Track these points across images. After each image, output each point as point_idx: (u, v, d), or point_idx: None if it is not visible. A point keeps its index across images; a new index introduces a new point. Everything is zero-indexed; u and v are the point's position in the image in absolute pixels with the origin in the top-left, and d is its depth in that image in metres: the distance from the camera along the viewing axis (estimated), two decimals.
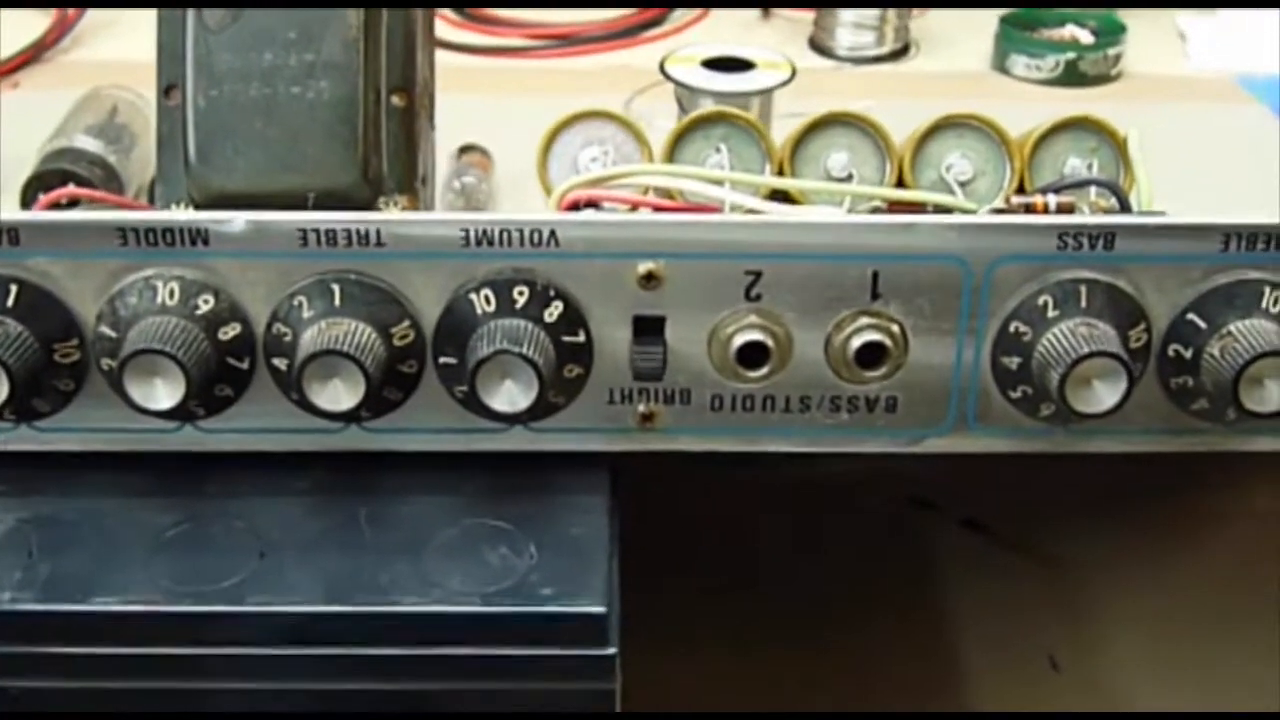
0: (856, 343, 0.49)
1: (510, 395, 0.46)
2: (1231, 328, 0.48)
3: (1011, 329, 0.48)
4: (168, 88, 0.55)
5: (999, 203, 0.58)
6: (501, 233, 0.47)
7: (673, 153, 0.59)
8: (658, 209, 0.56)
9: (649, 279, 0.48)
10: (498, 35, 1.22)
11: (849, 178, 0.59)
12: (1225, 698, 0.62)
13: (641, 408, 0.50)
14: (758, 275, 0.48)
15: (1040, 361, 0.48)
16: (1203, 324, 0.48)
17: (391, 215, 0.48)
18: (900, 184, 0.59)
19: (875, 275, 0.48)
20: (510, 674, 0.46)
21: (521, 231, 0.47)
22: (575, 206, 0.56)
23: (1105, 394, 0.47)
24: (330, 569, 0.47)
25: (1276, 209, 0.88)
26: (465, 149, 0.68)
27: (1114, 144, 0.59)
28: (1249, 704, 0.62)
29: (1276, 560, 0.70)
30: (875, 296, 0.49)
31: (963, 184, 0.59)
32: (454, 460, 0.51)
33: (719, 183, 0.57)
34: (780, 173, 0.59)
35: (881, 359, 0.49)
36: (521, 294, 0.47)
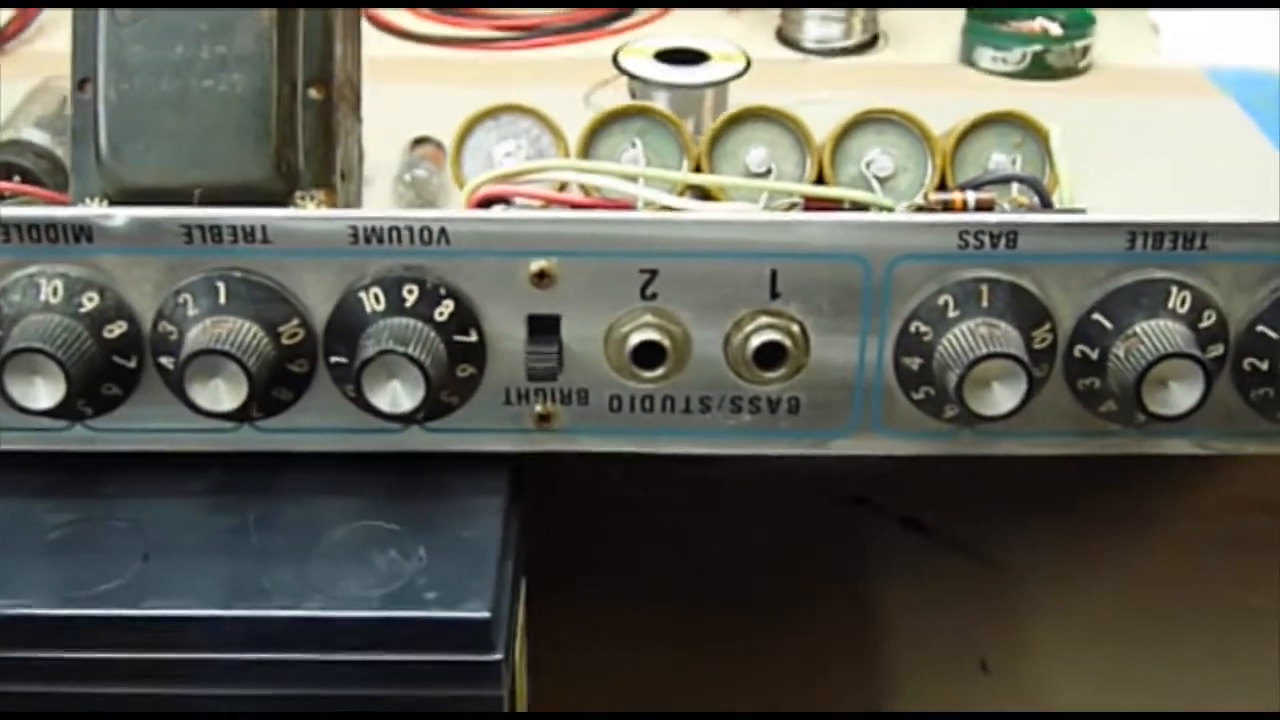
0: (755, 342, 0.48)
1: (397, 395, 0.45)
2: (1137, 328, 0.47)
3: (912, 329, 0.47)
4: (81, 81, 0.55)
5: (919, 199, 0.57)
6: (390, 230, 0.46)
7: (588, 148, 0.57)
8: (571, 205, 0.55)
9: (541, 277, 0.47)
10: (463, 27, 1.21)
11: (768, 173, 0.58)
12: (1156, 701, 0.61)
13: (538, 408, 0.49)
14: (653, 273, 0.47)
15: (940, 362, 0.47)
16: (1108, 324, 0.47)
17: (276, 212, 0.47)
18: (820, 180, 0.58)
19: (774, 274, 0.47)
20: (395, 680, 0.45)
21: (411, 229, 0.46)
22: (486, 202, 0.55)
23: (1004, 396, 0.46)
24: (213, 572, 0.46)
25: (1232, 205, 0.87)
26: (418, 141, 0.67)
27: (1039, 139, 0.58)
28: (1179, 707, 0.61)
29: (1213, 561, 0.69)
30: (774, 295, 0.48)
31: (884, 180, 0.58)
32: (352, 461, 0.50)
33: (633, 178, 0.56)
34: (698, 169, 0.58)
35: (781, 359, 0.48)
36: (411, 292, 0.47)
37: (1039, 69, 1.10)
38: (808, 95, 1.11)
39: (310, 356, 0.47)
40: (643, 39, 0.88)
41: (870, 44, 1.18)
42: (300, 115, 0.56)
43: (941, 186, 0.58)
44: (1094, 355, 0.48)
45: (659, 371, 0.48)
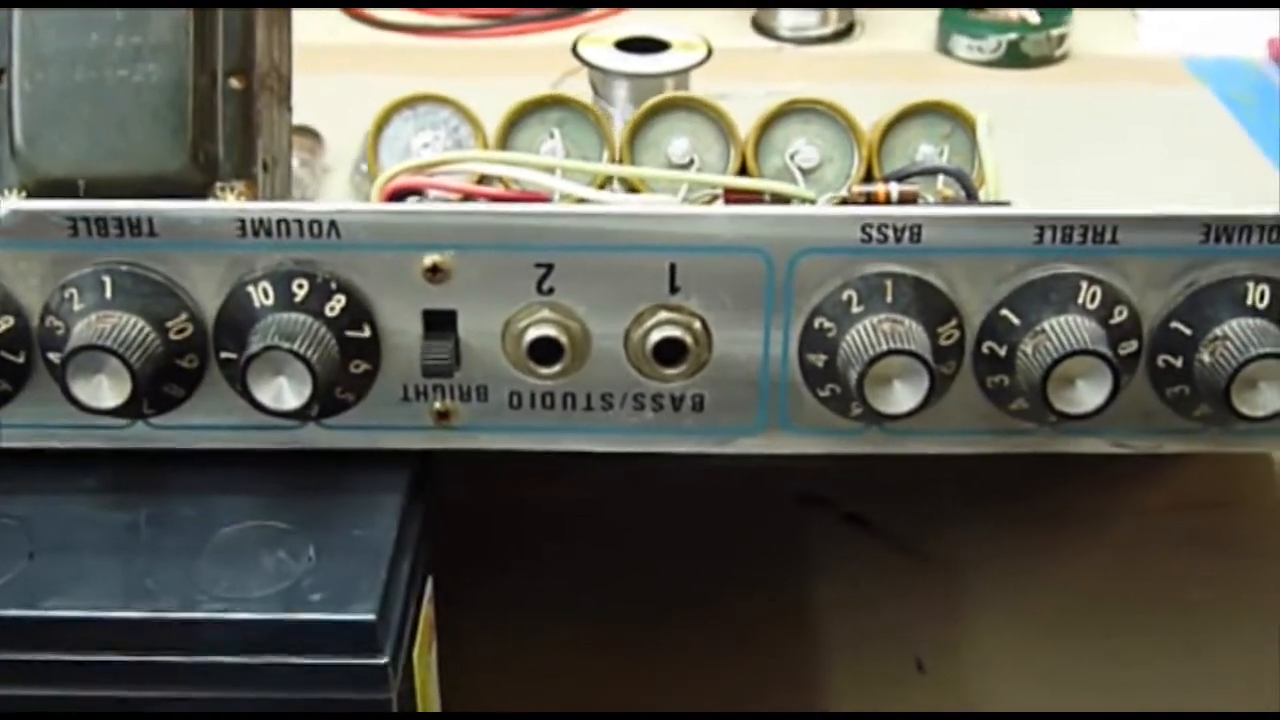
0: (655, 338, 0.47)
1: (283, 392, 0.45)
2: (1045, 324, 0.46)
3: (816, 325, 0.46)
4: None
5: (843, 191, 0.56)
6: (279, 223, 0.45)
7: (506, 139, 0.56)
8: (486, 198, 0.54)
9: (435, 271, 0.46)
10: (436, 15, 1.20)
11: (690, 164, 0.56)
12: (1095, 700, 0.60)
13: (437, 405, 0.48)
14: (549, 268, 0.46)
15: (843, 359, 0.46)
16: (1016, 320, 0.46)
17: (164, 205, 0.46)
18: (743, 171, 0.57)
19: (672, 268, 0.46)
20: (281, 683, 0.45)
21: (300, 222, 0.45)
22: (399, 194, 0.54)
23: (905, 394, 0.45)
24: (99, 572, 0.45)
25: (1202, 196, 0.85)
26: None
27: (968, 130, 0.57)
28: (1118, 705, 0.60)
29: (1157, 558, 0.68)
30: (674, 290, 0.46)
31: (809, 171, 0.57)
32: (251, 458, 0.49)
33: (550, 170, 0.54)
34: (619, 160, 0.56)
35: (682, 355, 0.47)
36: (301, 287, 0.46)
37: (1015, 58, 1.08)
38: (779, 85, 1.10)
39: (200, 352, 0.47)
40: (607, 28, 0.87)
41: (846, 32, 1.17)
42: (220, 106, 0.55)
43: (869, 178, 0.57)
44: (1002, 352, 0.47)
45: (556, 368, 0.47)
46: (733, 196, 0.55)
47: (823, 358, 0.47)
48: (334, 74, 1.06)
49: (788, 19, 1.16)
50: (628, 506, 0.68)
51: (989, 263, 0.46)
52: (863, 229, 0.46)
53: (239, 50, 0.57)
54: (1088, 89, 1.07)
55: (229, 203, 0.47)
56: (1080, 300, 0.46)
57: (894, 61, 1.14)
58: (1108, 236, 0.46)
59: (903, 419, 0.46)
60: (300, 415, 0.46)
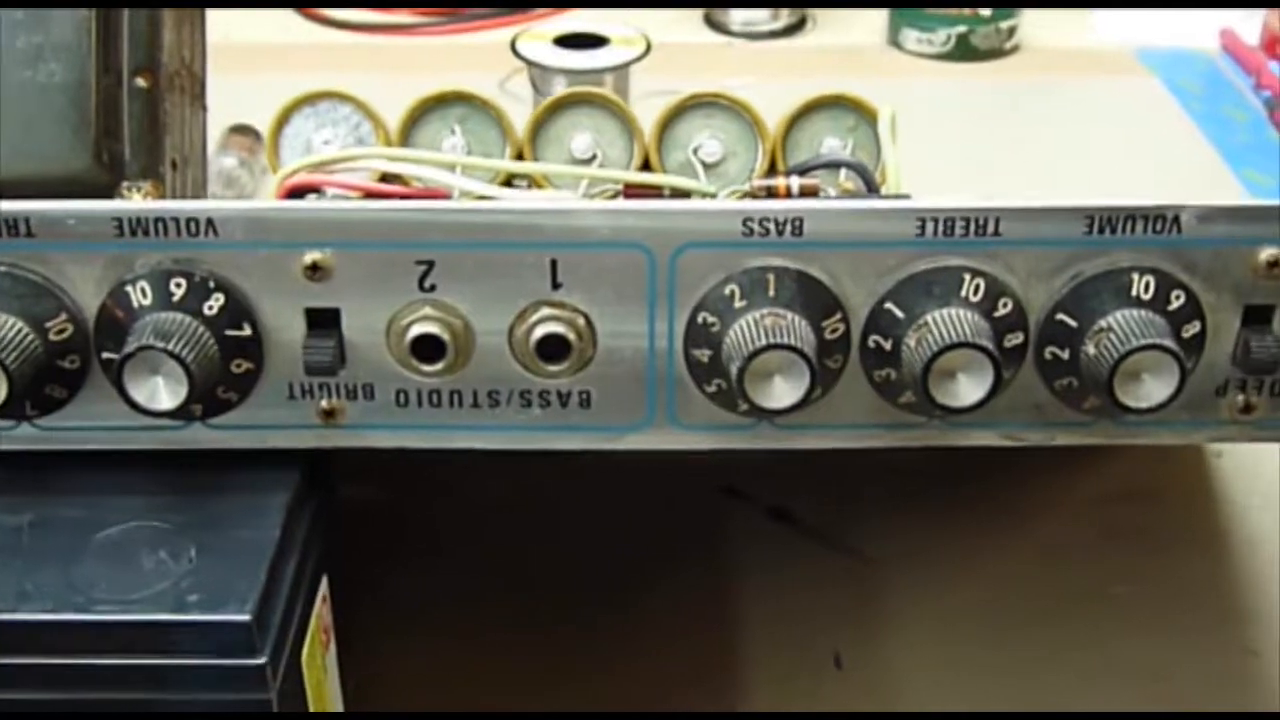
0: (538, 334, 0.46)
1: (158, 392, 0.44)
2: (928, 317, 0.45)
3: (700, 320, 0.46)
4: None
5: (746, 185, 0.55)
6: (156, 222, 0.45)
7: (407, 135, 0.56)
8: (383, 196, 0.54)
9: (315, 270, 0.46)
10: (388, 13, 1.19)
11: (592, 159, 0.56)
12: (1010, 697, 0.60)
13: (323, 403, 0.48)
14: (430, 264, 0.46)
15: (726, 354, 0.45)
16: (900, 314, 0.46)
17: (41, 205, 0.45)
18: (646, 167, 0.56)
19: (554, 264, 0.46)
20: (162, 684, 0.44)
21: (177, 220, 0.45)
22: (297, 192, 0.53)
23: (786, 389, 0.45)
24: None
25: (1144, 186, 0.85)
26: (233, 129, 0.66)
27: (873, 123, 0.56)
28: (1034, 702, 0.60)
29: (1079, 552, 0.67)
30: (556, 286, 0.46)
31: (712, 165, 0.56)
32: (141, 459, 0.48)
33: (450, 167, 0.54)
34: (520, 156, 0.56)
35: (565, 352, 0.46)
36: (179, 286, 0.45)
37: (964, 50, 1.08)
38: (727, 80, 1.09)
39: (81, 353, 0.46)
40: (548, 25, 0.86)
41: (798, 27, 1.16)
42: (125, 105, 0.55)
43: (774, 172, 0.57)
44: (888, 346, 0.46)
45: (440, 365, 0.46)
46: (632, 192, 0.55)
47: (707, 353, 0.46)
48: (285, 73, 1.06)
49: (739, 14, 1.16)
50: (552, 497, 0.68)
51: (872, 256, 0.46)
52: (744, 223, 0.46)
53: (145, 49, 0.57)
54: (1036, 81, 1.07)
55: (108, 202, 0.47)
56: (963, 293, 0.46)
57: (844, 56, 1.13)
58: (990, 228, 0.46)
59: (787, 414, 0.45)
60: (180, 415, 0.46)
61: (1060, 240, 0.46)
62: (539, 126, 0.56)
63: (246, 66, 1.03)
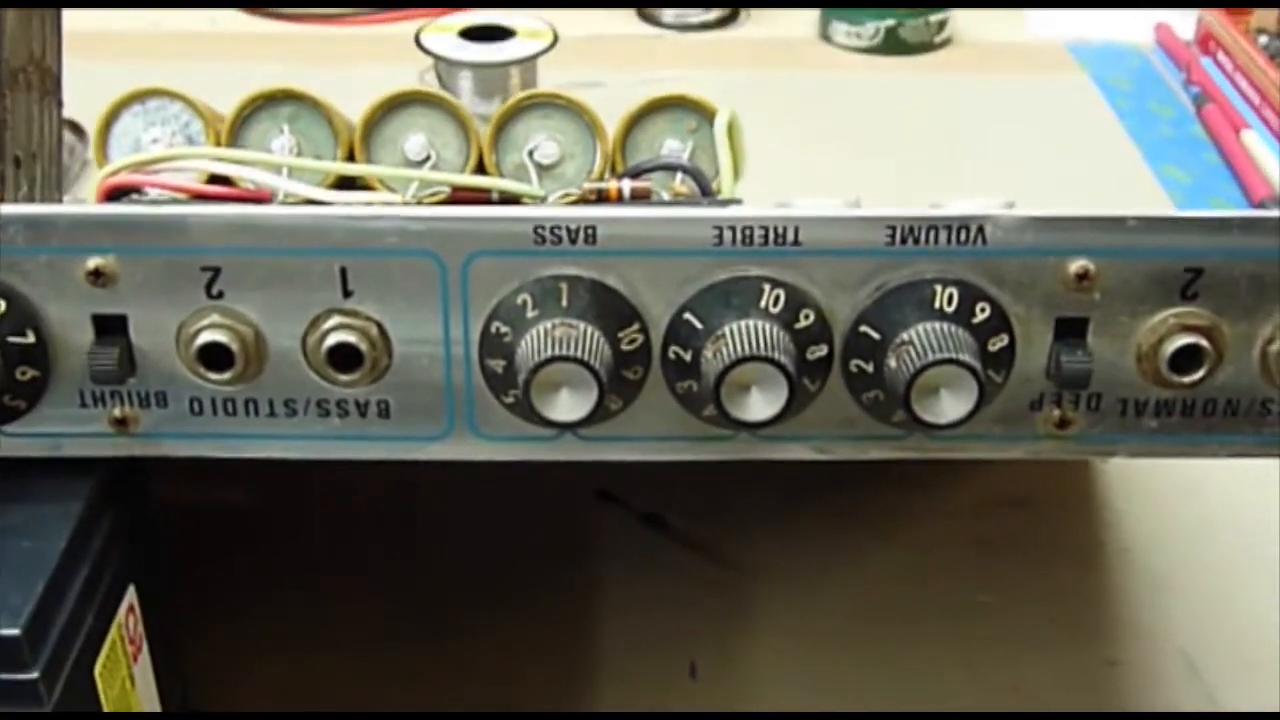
0: (329, 343, 0.45)
1: None
2: (726, 329, 0.44)
3: (494, 330, 0.45)
4: None
5: (577, 189, 0.54)
6: None
7: (236, 134, 0.55)
8: (206, 197, 0.53)
9: (98, 275, 0.44)
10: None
11: (425, 160, 0.55)
12: (862, 705, 0.59)
13: (115, 411, 0.47)
14: (216, 271, 0.45)
15: (517, 365, 0.44)
16: (699, 324, 0.45)
17: None
18: (481, 169, 0.55)
19: (344, 271, 0.45)
20: None
21: None
22: (117, 192, 0.52)
23: (572, 402, 0.44)
24: None
25: (1047, 183, 0.83)
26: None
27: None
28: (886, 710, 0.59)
29: (951, 560, 0.66)
30: (347, 294, 0.45)
31: (549, 167, 0.55)
32: None
33: (277, 169, 0.53)
34: (352, 157, 0.55)
35: (358, 361, 0.45)
36: None
37: (893, 44, 1.07)
38: (656, 73, 1.08)
39: None
40: (457, 17, 0.85)
41: (731, 19, 1.15)
42: None
43: (612, 174, 0.55)
44: (688, 357, 0.45)
45: (229, 374, 0.45)
46: (459, 196, 0.53)
47: (502, 363, 0.45)
48: (209, 61, 1.05)
49: (672, 7, 1.15)
50: (423, 499, 0.67)
51: (670, 265, 0.45)
52: (535, 231, 0.44)
53: None
54: (961, 76, 1.05)
55: None
56: (763, 304, 0.45)
57: (773, 49, 1.12)
58: (790, 238, 0.44)
59: (580, 426, 0.44)
60: None
61: (862, 250, 0.45)
62: (371, 127, 0.55)
63: (179, 54, 1.02)
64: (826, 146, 0.92)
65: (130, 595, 0.50)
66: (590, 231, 0.45)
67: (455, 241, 0.45)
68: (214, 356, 0.46)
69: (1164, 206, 0.89)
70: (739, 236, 0.45)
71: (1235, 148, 0.90)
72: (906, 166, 0.90)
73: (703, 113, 0.56)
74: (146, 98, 0.56)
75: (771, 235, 0.45)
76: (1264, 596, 0.65)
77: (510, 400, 0.46)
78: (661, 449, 0.48)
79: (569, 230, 0.45)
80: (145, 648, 0.52)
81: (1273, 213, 0.44)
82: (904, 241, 0.45)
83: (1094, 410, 0.47)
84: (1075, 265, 0.45)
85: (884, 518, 0.69)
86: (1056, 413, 0.47)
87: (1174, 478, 0.70)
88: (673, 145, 0.56)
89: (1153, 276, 0.45)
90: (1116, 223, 0.44)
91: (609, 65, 1.11)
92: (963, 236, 0.45)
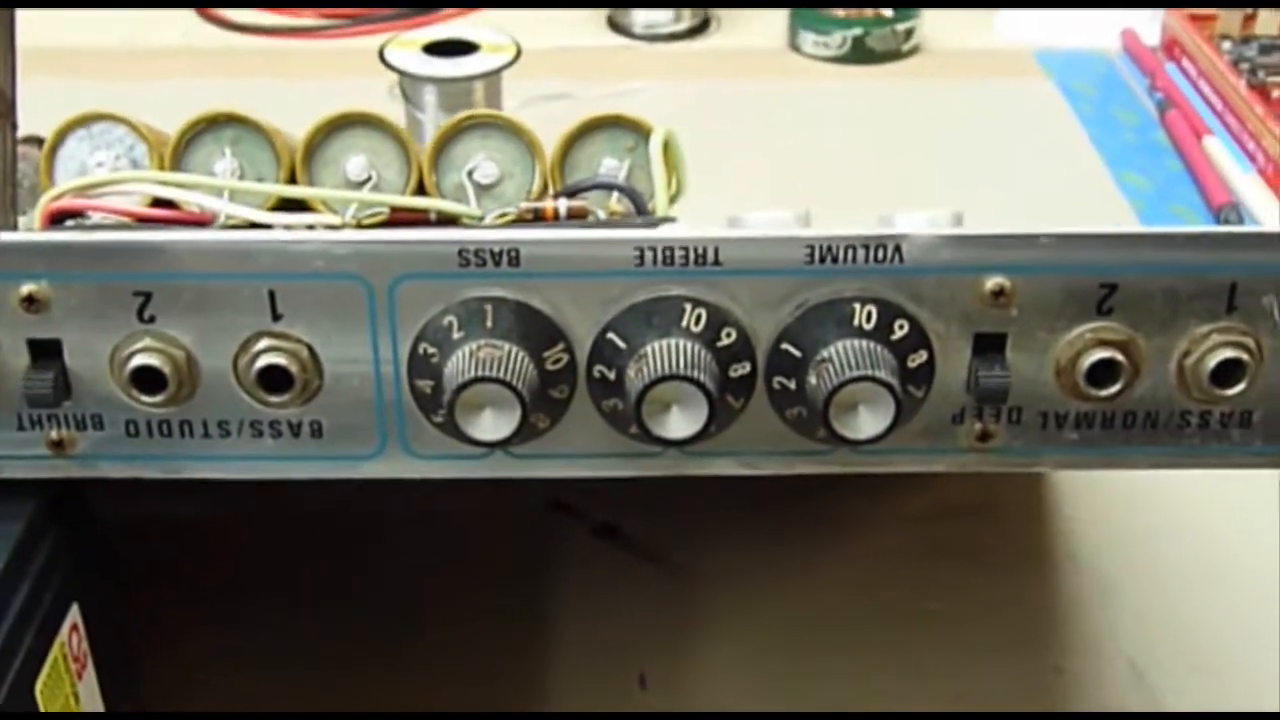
0: (259, 365, 0.46)
1: None
2: (647, 348, 0.45)
3: (421, 351, 0.46)
4: None
5: (517, 209, 0.55)
6: None
7: (179, 158, 0.56)
8: (146, 220, 0.54)
9: (31, 302, 0.45)
10: (290, 15, 1.19)
11: (366, 182, 0.56)
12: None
13: (53, 434, 0.47)
14: (147, 296, 0.45)
15: (444, 385, 0.45)
16: (622, 344, 0.45)
17: None
18: (421, 188, 0.56)
19: (272, 295, 0.45)
20: None
21: None
22: (61, 217, 0.53)
23: (494, 422, 0.44)
24: None
25: (1006, 190, 0.84)
26: (24, 140, 0.65)
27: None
28: None
29: (902, 567, 0.67)
30: (276, 317, 0.46)
31: (489, 187, 0.56)
32: None
33: (218, 192, 0.54)
34: (293, 179, 0.56)
35: (288, 383, 0.46)
36: None
37: (860, 53, 1.08)
38: (625, 84, 1.09)
39: None
40: (420, 32, 0.86)
41: (701, 28, 1.16)
42: None
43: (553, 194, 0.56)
44: (612, 376, 0.46)
45: (161, 397, 0.46)
46: (399, 216, 0.54)
47: (430, 383, 0.46)
48: (175, 78, 1.06)
49: (641, 17, 1.16)
50: (376, 510, 0.68)
51: (594, 286, 0.46)
52: (459, 254, 0.45)
53: None
54: (928, 84, 1.06)
55: None
56: (684, 323, 0.45)
57: (742, 59, 1.13)
58: (710, 258, 0.45)
59: (504, 445, 0.45)
60: None
61: (781, 270, 0.45)
62: (313, 148, 0.56)
63: (146, 72, 1.03)
64: (792, 156, 0.93)
65: (74, 614, 0.51)
66: (514, 254, 0.45)
67: (381, 264, 0.46)
68: (147, 379, 0.47)
69: (1124, 214, 0.90)
70: (660, 257, 0.45)
71: (1197, 154, 0.91)
72: (870, 176, 0.91)
73: (639, 131, 0.57)
74: (91, 122, 0.57)
75: (692, 256, 0.45)
76: (1208, 603, 0.66)
77: (439, 419, 0.47)
78: (592, 465, 0.48)
79: (493, 253, 0.45)
80: (90, 665, 0.52)
81: (1184, 228, 0.45)
82: (823, 261, 0.45)
83: (1015, 423, 0.48)
84: (991, 282, 0.46)
85: (838, 526, 0.70)
86: (978, 426, 0.48)
87: (1122, 488, 0.70)
88: (610, 164, 0.57)
89: (1068, 292, 0.45)
90: (1030, 240, 0.45)
91: (577, 77, 1.12)
92: (880, 255, 0.45)
